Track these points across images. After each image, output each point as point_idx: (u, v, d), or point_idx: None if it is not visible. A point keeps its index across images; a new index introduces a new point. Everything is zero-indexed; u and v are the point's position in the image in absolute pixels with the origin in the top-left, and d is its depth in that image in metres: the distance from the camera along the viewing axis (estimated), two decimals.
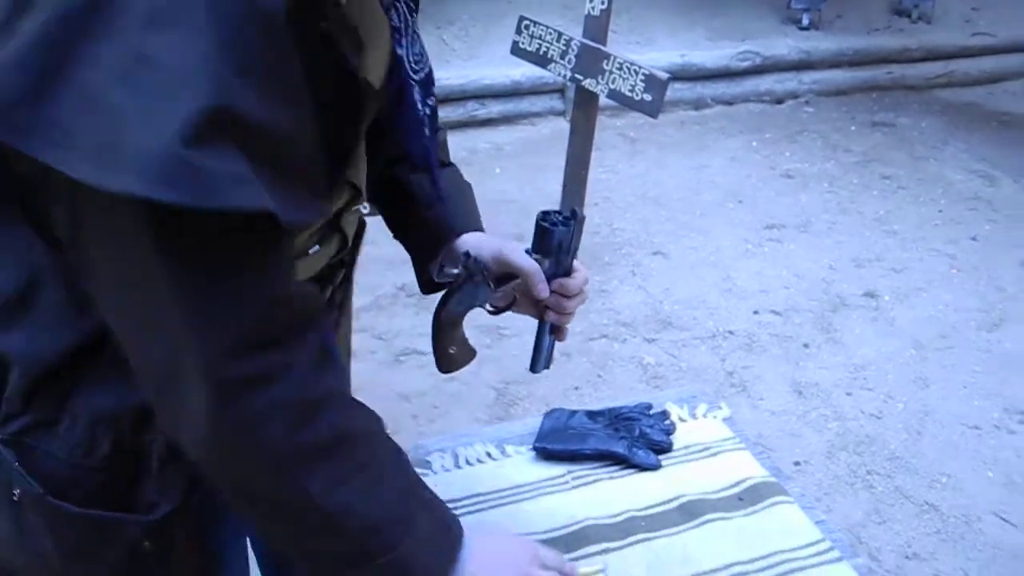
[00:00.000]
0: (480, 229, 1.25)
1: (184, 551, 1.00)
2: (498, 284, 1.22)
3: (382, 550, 0.88)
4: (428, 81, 1.06)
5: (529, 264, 1.18)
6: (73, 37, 0.65)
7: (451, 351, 1.30)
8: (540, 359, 1.31)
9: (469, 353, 1.35)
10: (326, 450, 0.84)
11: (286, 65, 0.73)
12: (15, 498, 0.92)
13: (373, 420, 0.93)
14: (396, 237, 1.30)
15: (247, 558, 1.25)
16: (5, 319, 0.87)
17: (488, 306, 1.25)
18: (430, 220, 1.23)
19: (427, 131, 1.04)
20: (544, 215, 1.20)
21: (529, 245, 1.21)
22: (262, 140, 0.70)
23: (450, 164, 1.29)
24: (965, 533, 2.70)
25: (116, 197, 0.65)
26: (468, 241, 1.22)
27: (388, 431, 0.96)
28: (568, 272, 1.23)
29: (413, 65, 1.02)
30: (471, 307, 1.24)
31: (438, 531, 0.96)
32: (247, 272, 0.76)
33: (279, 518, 0.88)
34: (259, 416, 0.79)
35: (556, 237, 1.18)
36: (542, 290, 1.19)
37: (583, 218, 1.19)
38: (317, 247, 1.00)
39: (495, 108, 5.95)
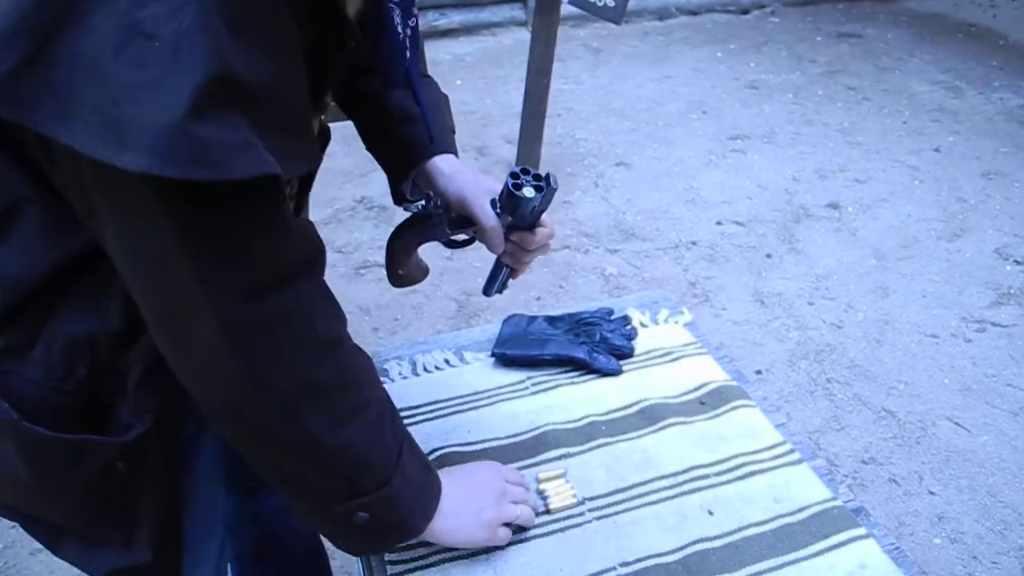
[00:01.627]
0: (454, 150, 1.23)
1: (157, 472, 1.01)
2: (457, 225, 1.20)
3: (372, 487, 0.91)
4: (408, 2, 1.03)
5: (489, 220, 1.15)
6: (66, 4, 0.64)
7: (401, 272, 1.31)
8: (493, 287, 1.28)
9: (421, 272, 1.35)
10: (329, 390, 0.86)
11: (275, 13, 0.72)
12: None
13: (369, 364, 0.95)
14: (369, 150, 1.27)
15: (222, 479, 1.25)
16: None
17: (444, 240, 1.24)
18: (405, 138, 1.21)
19: (408, 53, 1.01)
20: (516, 176, 1.13)
21: (497, 178, 1.17)
22: (260, 100, 0.69)
23: (427, 77, 1.25)
24: (920, 438, 2.74)
25: (133, 174, 0.64)
26: (441, 168, 1.19)
27: None
28: (532, 227, 1.18)
29: None
30: (426, 241, 1.24)
31: (422, 473, 0.99)
32: (252, 225, 0.77)
33: (276, 451, 0.89)
34: (268, 357, 0.81)
35: (525, 205, 1.13)
36: (496, 247, 1.18)
37: (556, 188, 1.12)
38: None
39: (456, 18, 5.82)
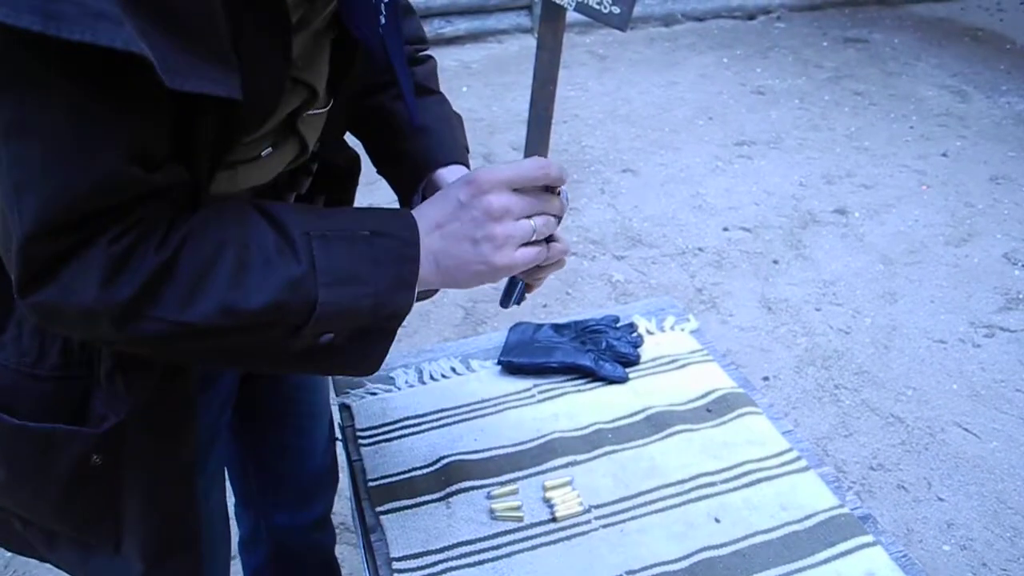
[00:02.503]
0: (465, 161, 1.17)
1: (142, 469, 0.97)
2: None
3: (303, 315, 0.79)
4: None
5: None
6: None
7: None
8: (510, 300, 1.25)
9: (431, 291, 1.32)
10: (152, 286, 0.73)
11: None
12: None
13: (211, 222, 0.79)
14: (379, 171, 1.22)
15: (206, 471, 1.19)
16: None
17: None
18: (411, 151, 1.15)
19: (383, 19, 0.92)
20: None
21: (503, 160, 1.15)
22: None
23: (437, 92, 1.22)
24: (929, 444, 2.73)
25: None
26: (449, 180, 1.12)
27: None
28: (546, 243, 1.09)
29: None
30: None
31: (361, 248, 0.82)
32: (97, 129, 0.68)
33: (182, 352, 0.81)
34: (64, 289, 0.71)
35: None
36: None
37: (568, 205, 1.08)
38: (269, 148, 0.94)
39: (462, 25, 5.83)
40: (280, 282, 0.77)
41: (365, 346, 0.89)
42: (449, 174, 1.13)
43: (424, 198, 1.09)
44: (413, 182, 1.16)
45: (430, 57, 1.22)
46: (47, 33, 0.60)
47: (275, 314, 0.78)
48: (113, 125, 0.69)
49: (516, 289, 1.21)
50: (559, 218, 0.96)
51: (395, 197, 1.26)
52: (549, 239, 1.01)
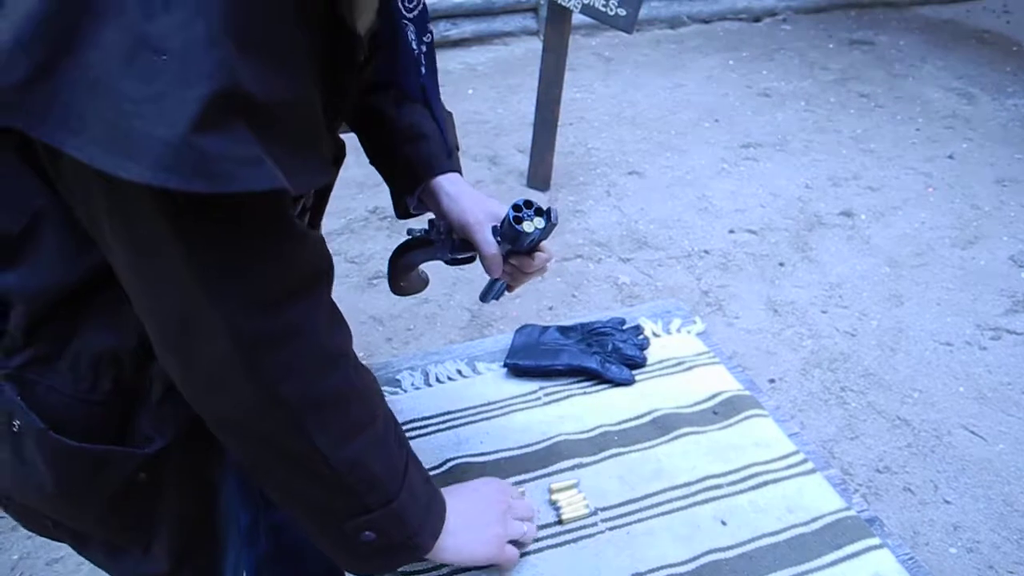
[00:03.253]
0: (458, 168, 1.24)
1: (178, 484, 1.02)
2: (459, 249, 1.23)
3: (378, 503, 0.91)
4: (422, 18, 1.04)
5: (489, 248, 1.17)
6: (76, 16, 0.63)
7: (402, 284, 1.36)
8: (488, 296, 1.33)
9: (422, 283, 1.39)
10: (336, 406, 0.86)
11: (286, 27, 0.72)
12: (15, 429, 0.93)
13: (374, 382, 0.96)
14: (373, 164, 1.27)
15: (239, 492, 1.27)
16: (7, 257, 0.86)
17: (445, 260, 1.28)
18: (412, 156, 1.21)
19: (423, 70, 1.02)
20: (519, 209, 1.14)
21: (496, 225, 1.19)
22: (269, 113, 0.69)
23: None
24: (935, 447, 2.73)
25: (136, 185, 0.64)
26: (446, 189, 1.20)
27: (361, 356, 0.95)
28: (530, 253, 1.21)
29: (407, 4, 1.01)
30: (428, 260, 1.28)
31: (427, 490, 0.99)
32: (260, 239, 0.77)
33: (282, 466, 0.89)
34: (277, 370, 0.81)
35: (524, 237, 1.15)
36: (494, 272, 1.20)
37: (556, 223, 1.15)
38: None
39: (468, 28, 5.83)
40: (389, 467, 0.92)
41: (380, 561, 0.98)
42: (447, 182, 1.20)
43: (420, 202, 1.23)
44: (411, 186, 1.22)
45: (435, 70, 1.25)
46: (214, 192, 0.65)
47: (368, 488, 0.90)
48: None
49: (496, 288, 1.27)
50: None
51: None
52: (534, 250, 1.18)
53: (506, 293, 1.31)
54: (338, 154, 1.21)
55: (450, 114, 1.29)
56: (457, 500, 1.04)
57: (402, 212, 1.28)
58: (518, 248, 1.18)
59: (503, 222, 1.16)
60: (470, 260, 1.27)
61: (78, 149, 0.64)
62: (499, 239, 1.17)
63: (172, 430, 0.97)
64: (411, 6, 1.01)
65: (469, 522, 1.03)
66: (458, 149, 1.28)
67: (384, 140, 1.23)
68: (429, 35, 1.02)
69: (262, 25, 0.68)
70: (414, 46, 0.99)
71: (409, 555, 0.99)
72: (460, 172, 1.24)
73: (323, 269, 0.87)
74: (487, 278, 1.25)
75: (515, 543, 1.07)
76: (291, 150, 0.73)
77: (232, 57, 0.65)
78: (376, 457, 0.90)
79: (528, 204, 1.15)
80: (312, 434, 0.84)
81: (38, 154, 0.80)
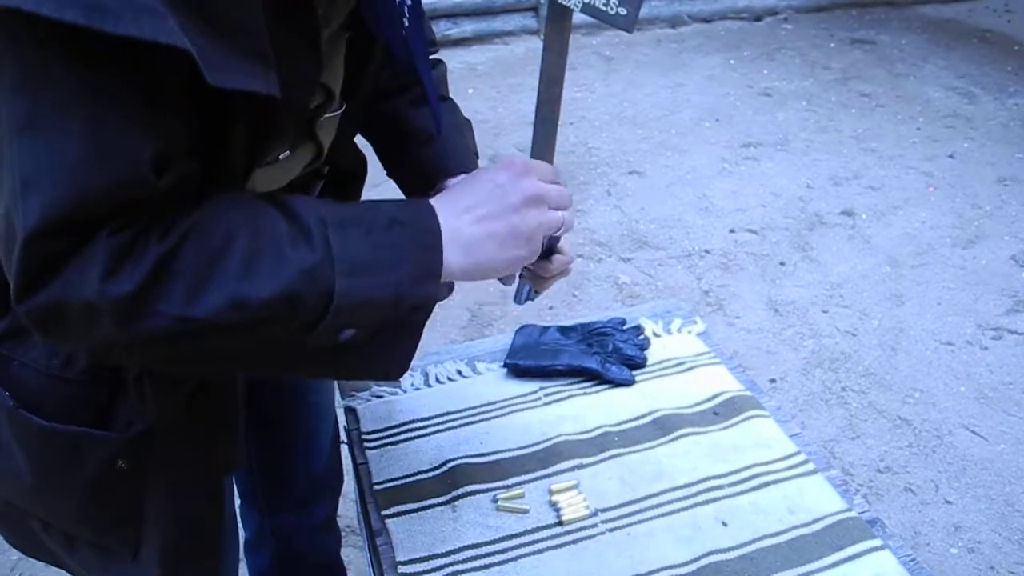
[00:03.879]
0: (471, 169, 1.17)
1: (165, 478, 0.97)
2: None
3: (319, 308, 0.75)
4: None
5: None
6: None
7: None
8: (520, 298, 1.24)
9: (447, 289, 1.33)
10: (155, 279, 0.69)
11: None
12: None
13: (238, 202, 0.77)
14: (389, 174, 1.24)
15: (228, 483, 1.21)
16: None
17: None
18: (424, 158, 1.16)
19: (406, 22, 0.91)
20: None
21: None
22: None
23: (448, 98, 1.24)
24: (936, 447, 2.72)
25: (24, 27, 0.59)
26: None
27: None
28: (548, 255, 1.11)
29: None
30: None
31: (385, 238, 0.79)
32: (118, 127, 0.66)
33: (187, 353, 0.76)
34: (66, 285, 0.68)
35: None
36: (508, 279, 1.07)
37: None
38: (287, 152, 0.94)
39: (468, 27, 5.83)
40: (294, 271, 0.73)
41: (389, 344, 0.85)
42: None
43: None
44: (425, 188, 1.17)
45: (440, 61, 1.22)
46: (91, 27, 0.58)
47: (289, 306, 0.73)
48: (139, 126, 0.67)
49: (524, 291, 1.21)
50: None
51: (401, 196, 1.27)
52: (554, 251, 1.06)
53: (534, 297, 1.22)
54: (357, 169, 1.19)
55: (468, 121, 1.26)
56: (463, 197, 0.86)
57: None
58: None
59: None
60: None
61: None
62: None
63: (151, 413, 0.91)
64: None
65: (487, 225, 0.85)
66: (477, 156, 1.23)
67: (398, 145, 1.20)
68: None
69: None
70: None
71: (421, 312, 0.85)
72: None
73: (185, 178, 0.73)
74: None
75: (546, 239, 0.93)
76: (209, 31, 0.65)
77: None
78: (264, 273, 0.72)
79: None
80: (152, 315, 0.69)
81: None
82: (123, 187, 0.67)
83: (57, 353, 0.88)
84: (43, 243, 0.66)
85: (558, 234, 0.94)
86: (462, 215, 0.84)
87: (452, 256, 0.83)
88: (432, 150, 1.16)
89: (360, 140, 1.19)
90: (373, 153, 1.25)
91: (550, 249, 1.13)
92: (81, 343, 0.73)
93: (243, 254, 0.72)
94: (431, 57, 1.22)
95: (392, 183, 1.25)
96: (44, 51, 0.62)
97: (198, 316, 0.70)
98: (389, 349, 0.86)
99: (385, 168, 1.25)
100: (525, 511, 1.15)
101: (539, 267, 1.11)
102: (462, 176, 1.13)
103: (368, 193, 1.26)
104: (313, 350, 0.80)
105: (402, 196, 1.21)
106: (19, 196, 0.65)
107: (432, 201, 0.85)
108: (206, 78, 0.64)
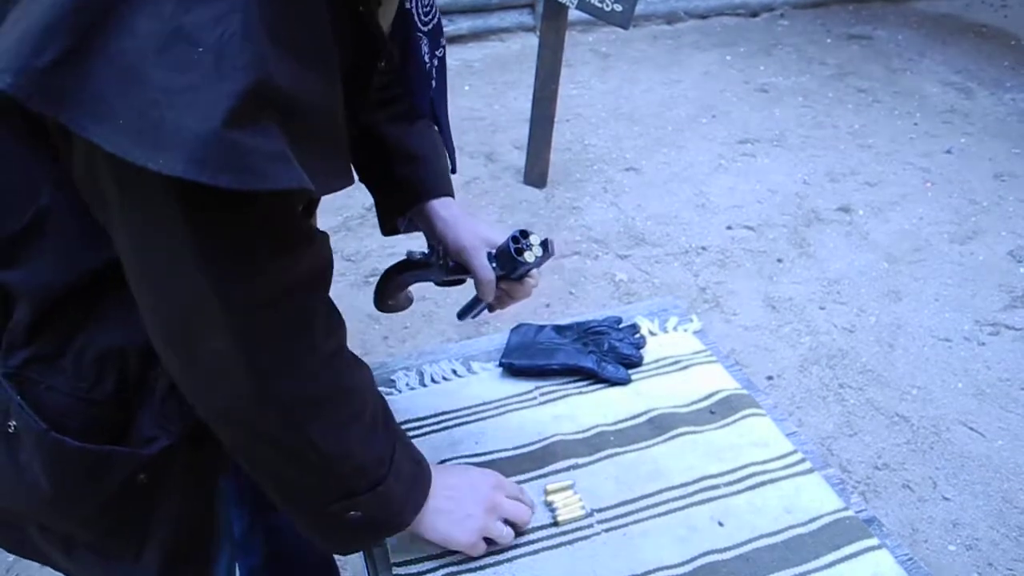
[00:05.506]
0: (451, 192, 1.28)
1: (177, 487, 1.00)
2: (454, 272, 1.27)
3: (366, 487, 0.94)
4: (437, 31, 1.04)
5: (486, 274, 1.22)
6: (111, 4, 0.62)
7: (390, 303, 1.39)
8: (468, 315, 1.38)
9: (408, 302, 1.44)
10: (328, 401, 0.88)
11: (319, 25, 0.72)
12: (10, 430, 0.91)
13: (367, 372, 0.98)
14: (364, 182, 1.28)
15: (234, 495, 1.28)
16: (11, 253, 0.85)
17: (436, 282, 1.33)
18: (407, 177, 1.24)
19: (433, 83, 1.02)
20: (517, 240, 1.20)
21: (495, 242, 1.24)
22: (298, 112, 0.69)
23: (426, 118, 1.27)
24: (934, 443, 2.72)
25: (153, 173, 0.63)
26: (440, 213, 1.24)
27: (358, 353, 0.97)
28: (521, 279, 1.27)
29: (422, 16, 1.01)
30: (420, 281, 1.33)
31: (414, 469, 1.01)
32: (271, 238, 0.78)
33: (275, 457, 0.91)
34: (275, 365, 0.83)
35: (522, 267, 1.21)
36: (487, 296, 1.25)
37: (553, 254, 1.23)
38: None
39: (464, 24, 5.82)
40: (377, 452, 0.95)
41: (357, 537, 1.02)
42: (440, 206, 1.24)
43: (411, 222, 1.27)
44: (403, 207, 1.26)
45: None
46: (241, 189, 0.64)
47: (356, 474, 0.93)
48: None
49: (477, 307, 1.31)
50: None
51: None
52: (524, 276, 1.24)
53: (485, 312, 1.36)
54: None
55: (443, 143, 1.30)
56: (448, 478, 1.07)
57: (389, 230, 1.31)
58: (511, 275, 1.23)
59: (501, 250, 1.21)
60: (459, 283, 1.33)
61: (103, 137, 0.63)
62: (494, 265, 1.22)
63: (176, 430, 0.96)
64: (427, 19, 1.01)
65: (453, 505, 1.05)
66: (454, 172, 1.30)
67: (379, 158, 1.24)
68: (442, 49, 1.02)
69: (296, 21, 0.68)
70: (426, 59, 0.98)
71: (391, 530, 1.02)
72: (452, 195, 1.28)
73: (324, 269, 0.88)
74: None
75: (492, 541, 1.09)
76: (315, 150, 0.73)
77: (267, 52, 0.65)
78: (365, 445, 0.93)
79: (524, 234, 1.21)
80: (305, 427, 0.86)
81: (51, 142, 0.79)
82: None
83: (85, 377, 0.90)
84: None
85: (501, 543, 1.09)
86: (441, 490, 1.05)
87: (427, 510, 1.04)
88: (412, 170, 1.24)
89: None
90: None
91: (522, 277, 1.26)
92: (213, 404, 0.87)
93: (370, 419, 0.94)
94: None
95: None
96: (209, 212, 0.72)
97: (322, 448, 0.89)
98: (354, 539, 1.02)
99: (359, 176, 1.27)
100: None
101: (511, 288, 1.26)
102: (443, 198, 1.25)
103: (363, 191, 1.26)
104: (318, 510, 0.96)
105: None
106: (211, 293, 0.77)
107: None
108: (314, 194, 0.73)
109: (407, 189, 1.24)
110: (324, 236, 0.88)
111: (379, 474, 0.94)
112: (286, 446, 0.88)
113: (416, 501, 1.01)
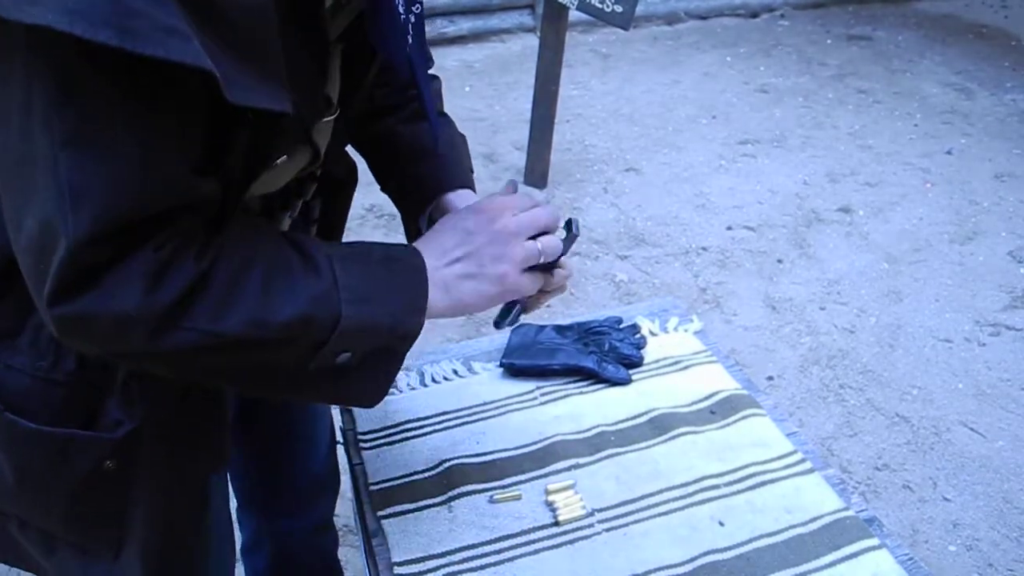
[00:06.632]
0: (471, 184, 1.19)
1: (151, 478, 0.96)
2: None
3: (327, 329, 0.81)
4: None
5: None
6: None
7: None
8: (505, 321, 1.20)
9: None
10: (189, 295, 0.74)
11: None
12: None
13: (247, 226, 0.83)
14: (384, 190, 1.23)
15: (218, 483, 1.19)
16: None
17: None
18: (420, 175, 1.17)
19: (409, 39, 0.93)
20: None
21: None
22: (208, 2, 0.65)
23: (444, 114, 1.23)
24: (935, 444, 2.72)
25: (29, 30, 0.60)
26: (458, 207, 1.12)
27: None
28: (550, 269, 1.08)
29: None
30: None
31: (380, 274, 0.86)
32: (157, 139, 0.69)
33: (206, 363, 0.80)
34: (106, 295, 0.70)
35: None
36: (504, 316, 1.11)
37: (578, 234, 1.11)
38: (284, 157, 0.94)
39: (464, 25, 5.82)
40: (307, 296, 0.80)
41: (376, 369, 0.91)
42: (457, 198, 1.15)
43: (431, 220, 1.15)
44: (421, 204, 1.17)
45: (435, 77, 1.22)
46: (123, 47, 0.60)
47: (301, 327, 0.80)
48: (173, 135, 0.70)
49: (513, 311, 1.16)
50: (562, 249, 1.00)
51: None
52: (553, 264, 1.04)
53: (522, 316, 1.19)
54: (348, 177, 1.18)
55: (463, 136, 1.25)
56: (445, 239, 0.94)
57: (413, 235, 1.19)
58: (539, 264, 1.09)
59: None
60: None
61: None
62: None
63: (140, 412, 0.91)
64: None
65: (471, 264, 0.93)
66: (472, 171, 1.23)
67: (393, 162, 1.20)
68: (419, 5, 0.95)
69: None
70: (401, 10, 0.89)
71: (404, 343, 0.89)
72: (473, 187, 1.19)
73: (209, 199, 0.77)
74: None
75: (540, 268, 0.98)
76: (232, 50, 0.67)
77: None
78: (281, 297, 0.79)
79: None
80: (180, 329, 0.74)
81: None
82: (170, 195, 0.71)
83: (44, 355, 0.87)
84: (89, 252, 0.68)
85: (542, 261, 0.97)
86: (439, 258, 0.92)
87: (434, 294, 0.90)
88: (429, 166, 1.17)
89: (351, 150, 1.19)
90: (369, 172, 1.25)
91: (552, 264, 1.08)
92: (103, 350, 0.76)
93: (263, 279, 0.78)
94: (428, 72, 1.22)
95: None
96: (81, 69, 0.64)
97: (221, 331, 0.75)
98: (375, 373, 0.91)
99: (380, 184, 1.24)
100: (518, 497, 1.16)
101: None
102: (460, 190, 1.15)
103: (362, 191, 1.25)
104: (307, 373, 0.85)
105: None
106: (67, 206, 0.66)
107: (415, 245, 0.94)
108: (226, 96, 0.66)
109: (423, 186, 1.16)
110: (215, 188, 0.77)
111: (329, 311, 0.81)
112: (190, 352, 0.76)
113: (410, 299, 0.88)
